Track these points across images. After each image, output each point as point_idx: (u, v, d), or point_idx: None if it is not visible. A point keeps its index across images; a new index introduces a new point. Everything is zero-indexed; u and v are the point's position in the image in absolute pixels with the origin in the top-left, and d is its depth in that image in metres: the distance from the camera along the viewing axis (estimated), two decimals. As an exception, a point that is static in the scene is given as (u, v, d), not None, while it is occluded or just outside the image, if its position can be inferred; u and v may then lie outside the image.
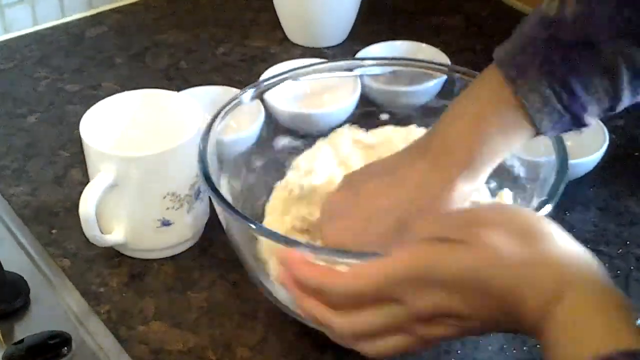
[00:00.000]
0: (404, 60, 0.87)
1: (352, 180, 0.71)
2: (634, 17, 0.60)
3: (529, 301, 0.52)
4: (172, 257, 0.77)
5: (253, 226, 0.63)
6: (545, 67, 0.61)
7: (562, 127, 0.63)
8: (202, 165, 0.68)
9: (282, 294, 0.66)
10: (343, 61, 0.91)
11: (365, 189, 0.69)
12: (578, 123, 0.63)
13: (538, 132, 0.63)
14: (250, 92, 0.78)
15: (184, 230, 0.77)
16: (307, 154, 0.79)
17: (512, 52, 0.63)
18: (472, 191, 0.66)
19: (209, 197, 0.79)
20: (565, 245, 0.54)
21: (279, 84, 0.81)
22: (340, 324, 0.57)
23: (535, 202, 0.71)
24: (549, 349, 0.51)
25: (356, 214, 0.68)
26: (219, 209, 0.67)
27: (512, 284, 0.53)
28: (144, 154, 0.71)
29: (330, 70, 0.85)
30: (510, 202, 0.74)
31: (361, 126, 0.82)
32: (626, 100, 0.63)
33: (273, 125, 0.81)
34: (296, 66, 0.91)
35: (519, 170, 0.76)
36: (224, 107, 0.75)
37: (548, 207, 0.63)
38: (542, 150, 0.71)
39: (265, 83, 0.80)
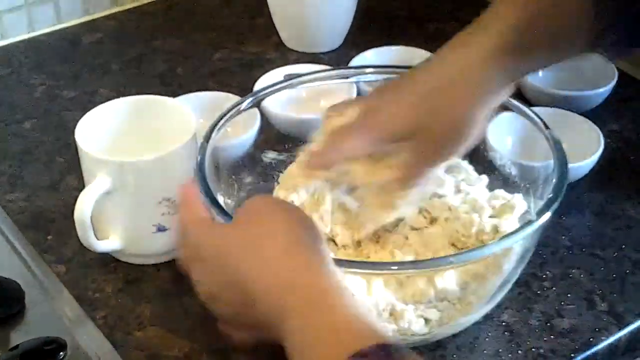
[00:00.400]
0: (401, 69, 0.87)
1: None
2: None
3: (263, 296, 0.53)
4: (168, 263, 0.77)
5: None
6: None
7: (621, 28, 0.60)
8: (201, 175, 0.68)
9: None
10: (342, 69, 0.91)
11: (404, 77, 0.70)
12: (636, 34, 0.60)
13: (597, 28, 0.60)
14: (248, 101, 0.78)
15: (179, 236, 0.77)
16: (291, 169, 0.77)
17: None
18: (510, 85, 0.66)
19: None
20: (310, 257, 0.55)
21: (278, 91, 0.81)
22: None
23: (532, 204, 0.72)
24: (295, 354, 0.50)
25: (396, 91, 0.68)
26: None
27: (246, 272, 0.55)
28: (139, 159, 0.71)
29: (328, 78, 0.85)
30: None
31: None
32: None
33: (269, 130, 0.81)
34: (292, 72, 0.91)
35: (510, 170, 0.76)
36: (221, 116, 0.75)
37: (547, 214, 0.64)
38: (539, 154, 0.72)
39: (265, 92, 0.80)
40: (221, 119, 0.75)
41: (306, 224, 0.57)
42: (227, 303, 0.57)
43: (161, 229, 0.74)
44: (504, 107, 0.73)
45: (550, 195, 0.65)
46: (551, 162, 0.69)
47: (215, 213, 0.64)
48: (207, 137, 0.73)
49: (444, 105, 0.65)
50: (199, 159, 0.70)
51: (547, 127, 0.72)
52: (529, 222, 0.63)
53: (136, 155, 0.72)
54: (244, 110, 0.78)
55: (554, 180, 0.67)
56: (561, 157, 0.69)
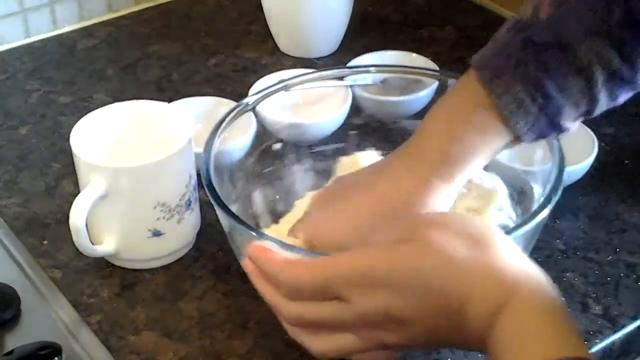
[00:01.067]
0: (394, 67, 0.88)
1: (337, 180, 0.73)
2: (607, 18, 0.60)
3: (473, 306, 0.52)
4: (163, 268, 0.77)
5: (272, 242, 0.61)
6: (519, 70, 0.62)
7: (539, 131, 0.63)
8: (208, 180, 0.68)
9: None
10: (337, 69, 0.91)
11: (348, 188, 0.70)
12: (555, 127, 0.63)
13: (515, 136, 0.63)
14: (249, 104, 0.78)
15: (175, 241, 0.77)
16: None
17: (488, 55, 0.64)
18: (452, 194, 0.66)
19: (201, 208, 0.79)
20: (513, 256, 0.54)
21: (274, 93, 0.81)
22: (287, 308, 0.58)
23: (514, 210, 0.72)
24: (496, 359, 0.51)
25: (336, 207, 0.69)
26: (223, 218, 0.67)
27: (455, 285, 0.52)
28: (133, 164, 0.72)
29: (325, 78, 0.85)
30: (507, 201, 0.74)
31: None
32: (603, 103, 0.63)
33: (264, 135, 0.81)
34: (288, 77, 0.91)
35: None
36: (223, 120, 0.75)
37: (545, 212, 0.64)
38: (539, 157, 0.72)
39: (262, 94, 0.80)
40: (221, 124, 0.75)
41: (499, 233, 0.56)
42: (419, 324, 0.54)
43: (156, 233, 0.75)
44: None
45: (550, 189, 0.65)
46: (542, 168, 0.70)
47: (228, 222, 0.65)
48: (209, 146, 0.72)
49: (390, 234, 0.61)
50: (204, 169, 0.70)
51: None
52: (531, 216, 0.63)
53: (131, 161, 0.72)
54: (242, 114, 0.78)
55: (552, 177, 0.67)
56: (559, 154, 0.69)
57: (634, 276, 0.76)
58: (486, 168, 0.74)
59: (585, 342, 0.70)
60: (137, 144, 0.78)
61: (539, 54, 0.61)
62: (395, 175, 0.67)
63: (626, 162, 0.89)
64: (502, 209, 0.74)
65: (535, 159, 0.74)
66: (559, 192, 0.66)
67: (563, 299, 0.54)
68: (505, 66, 0.62)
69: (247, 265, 0.61)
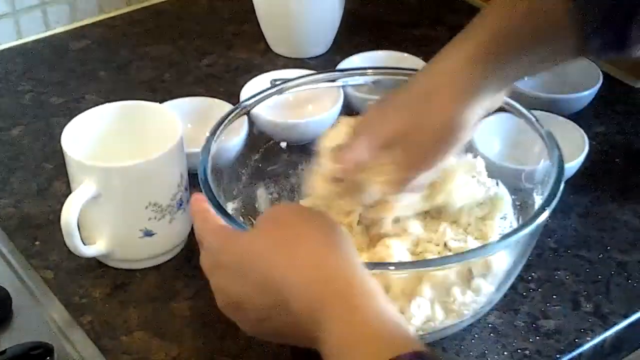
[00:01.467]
0: (385, 69, 0.88)
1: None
2: None
3: (297, 300, 0.53)
4: (156, 267, 0.77)
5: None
6: None
7: (607, 35, 0.59)
8: (204, 180, 0.69)
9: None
10: (327, 73, 0.91)
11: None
12: (624, 34, 0.59)
13: (582, 37, 0.59)
14: (246, 105, 0.79)
15: (166, 241, 0.77)
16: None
17: None
18: (499, 92, 0.66)
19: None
20: (346, 255, 0.55)
21: (272, 95, 0.81)
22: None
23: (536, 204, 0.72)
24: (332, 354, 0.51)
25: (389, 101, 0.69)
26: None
27: (281, 276, 0.55)
28: (124, 164, 0.72)
29: (314, 82, 0.86)
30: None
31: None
32: None
33: (256, 135, 0.81)
34: (279, 77, 0.92)
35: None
36: (221, 122, 0.75)
37: (545, 213, 0.64)
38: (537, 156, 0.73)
39: (260, 96, 0.80)
40: (219, 126, 0.75)
41: (335, 228, 0.57)
42: (253, 309, 0.57)
43: (148, 233, 0.75)
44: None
45: (550, 189, 0.66)
46: (538, 167, 0.70)
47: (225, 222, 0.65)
48: (208, 149, 0.72)
49: (428, 110, 0.65)
50: (202, 170, 0.70)
51: (541, 125, 0.73)
52: (533, 218, 0.63)
53: (122, 161, 0.72)
54: (239, 117, 0.78)
55: (552, 176, 0.68)
56: (557, 154, 0.69)
57: (625, 274, 0.76)
58: (491, 175, 0.75)
59: (576, 340, 0.70)
60: (128, 144, 0.78)
61: None
62: (437, 59, 0.67)
63: (617, 160, 0.90)
64: (506, 217, 0.74)
65: (533, 158, 0.75)
66: (557, 198, 0.66)
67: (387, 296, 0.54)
68: None
69: (192, 204, 0.65)
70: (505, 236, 0.63)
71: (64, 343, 0.70)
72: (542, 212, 0.64)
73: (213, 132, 0.74)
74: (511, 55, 0.63)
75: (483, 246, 0.65)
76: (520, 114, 0.75)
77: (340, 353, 0.50)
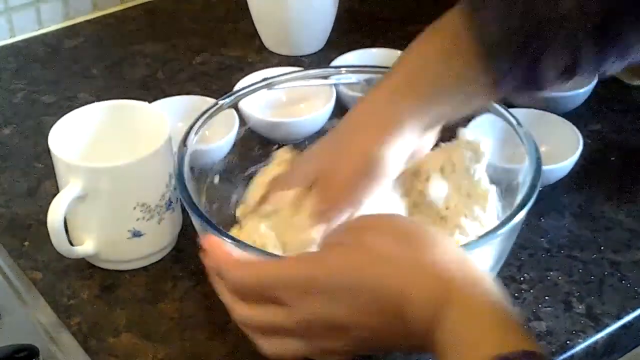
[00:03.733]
0: (377, 68, 0.87)
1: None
2: None
3: (411, 305, 0.52)
4: (144, 268, 0.77)
5: (228, 240, 0.62)
6: (503, 5, 0.59)
7: (519, 76, 0.60)
8: (179, 177, 0.68)
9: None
10: (318, 69, 0.90)
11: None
12: (535, 76, 0.60)
13: (495, 78, 0.61)
14: (225, 102, 0.78)
15: (155, 241, 0.76)
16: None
17: None
18: (423, 132, 0.65)
19: (182, 208, 0.79)
20: (450, 253, 0.54)
21: (254, 92, 0.80)
22: (235, 309, 0.59)
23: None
24: (442, 356, 0.51)
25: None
26: (195, 221, 0.67)
27: (396, 285, 0.52)
28: (111, 164, 0.71)
29: (305, 78, 0.85)
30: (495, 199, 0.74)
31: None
32: (587, 63, 0.60)
33: (248, 134, 0.81)
34: (272, 75, 0.91)
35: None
36: (199, 117, 0.75)
37: (522, 213, 0.63)
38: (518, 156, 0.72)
39: (240, 92, 0.80)
40: (197, 121, 0.75)
41: (422, 226, 0.56)
42: (363, 328, 0.54)
43: (136, 234, 0.74)
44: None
45: (523, 197, 0.65)
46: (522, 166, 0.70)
47: (198, 221, 0.65)
48: (184, 140, 0.72)
49: (347, 149, 0.66)
50: (176, 163, 0.70)
51: (519, 124, 0.72)
52: (507, 220, 0.63)
53: (111, 160, 0.72)
54: (221, 112, 0.78)
55: (528, 178, 0.67)
56: (535, 152, 0.68)
57: (618, 274, 0.75)
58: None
59: (568, 342, 0.69)
60: (117, 143, 0.77)
61: None
62: (361, 101, 0.68)
63: (612, 159, 0.89)
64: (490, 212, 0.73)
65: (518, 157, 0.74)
66: (534, 197, 0.64)
67: (506, 295, 0.53)
68: (490, 1, 0.60)
69: (203, 258, 0.60)
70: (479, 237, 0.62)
71: (51, 345, 0.69)
72: (516, 214, 0.63)
73: (191, 127, 0.74)
74: (429, 96, 0.64)
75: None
76: (499, 114, 0.74)
77: (452, 350, 0.50)
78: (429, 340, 0.51)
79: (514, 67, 0.60)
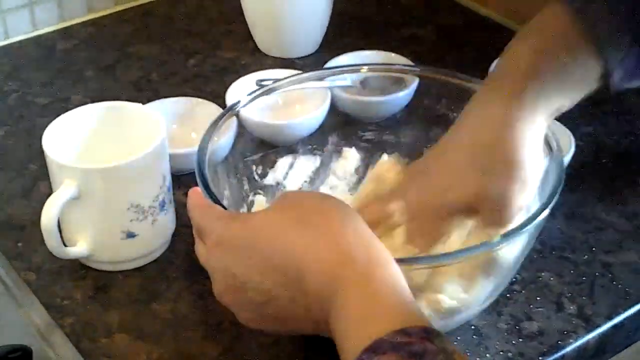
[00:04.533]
0: (368, 66, 0.88)
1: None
2: None
3: (314, 274, 0.53)
4: (138, 269, 0.77)
5: None
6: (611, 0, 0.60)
7: (630, 67, 0.61)
8: (202, 177, 0.68)
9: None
10: (313, 72, 0.90)
11: (440, 146, 0.70)
12: None
13: (607, 70, 0.61)
14: (238, 107, 0.78)
15: (149, 242, 0.76)
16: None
17: None
18: (540, 126, 0.65)
19: (175, 209, 0.79)
20: (361, 233, 0.55)
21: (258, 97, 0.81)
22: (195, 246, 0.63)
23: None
24: (335, 332, 0.52)
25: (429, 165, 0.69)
26: None
27: (298, 252, 0.54)
28: (105, 165, 0.71)
29: (300, 82, 0.85)
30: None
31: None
32: None
33: (245, 136, 0.81)
34: (265, 77, 0.91)
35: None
36: (216, 122, 0.75)
37: (546, 212, 0.64)
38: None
39: (250, 98, 0.80)
40: (214, 128, 0.74)
41: (346, 207, 0.57)
42: (258, 289, 0.56)
43: (130, 235, 0.74)
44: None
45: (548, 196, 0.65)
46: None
47: None
48: (204, 150, 0.71)
49: (497, 163, 0.64)
50: (198, 172, 0.69)
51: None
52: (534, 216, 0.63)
53: (105, 162, 0.72)
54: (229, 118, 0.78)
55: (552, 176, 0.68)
56: (558, 158, 0.69)
57: (610, 275, 0.75)
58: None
59: (559, 342, 0.69)
60: (111, 145, 0.78)
61: None
62: (482, 109, 0.66)
63: (604, 161, 0.89)
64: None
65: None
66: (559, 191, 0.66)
67: (400, 273, 0.54)
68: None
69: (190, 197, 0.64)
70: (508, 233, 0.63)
71: (44, 346, 0.69)
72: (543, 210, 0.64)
73: (210, 133, 0.73)
74: (553, 98, 0.64)
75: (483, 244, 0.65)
76: None
77: (352, 323, 0.51)
78: (325, 315, 0.53)
79: (628, 56, 0.61)
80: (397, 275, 0.53)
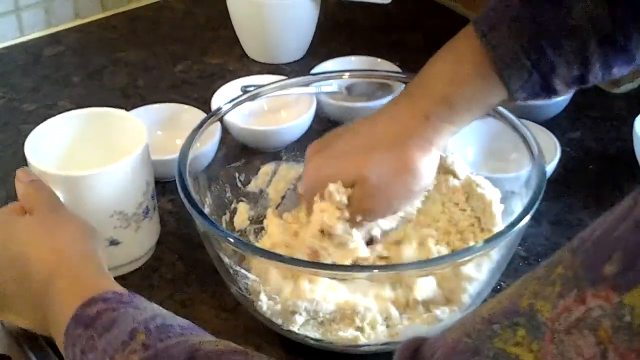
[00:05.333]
0: (356, 72, 0.88)
1: (334, 131, 0.74)
2: None
3: (34, 267, 0.63)
4: (121, 277, 0.76)
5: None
6: (514, 25, 0.63)
7: (532, 89, 0.64)
8: (182, 182, 0.69)
9: (265, 306, 0.68)
10: (301, 77, 0.90)
11: (346, 131, 0.72)
12: (547, 87, 0.64)
13: (509, 93, 0.65)
14: (224, 110, 0.78)
15: (132, 250, 0.76)
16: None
17: (486, 12, 0.65)
18: (446, 137, 0.68)
19: (159, 216, 0.79)
20: (74, 233, 0.65)
21: (241, 103, 0.81)
22: None
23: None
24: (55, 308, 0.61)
25: (336, 147, 0.71)
26: (200, 223, 0.67)
27: (24, 250, 0.64)
28: (87, 172, 0.71)
29: (284, 88, 0.85)
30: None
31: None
32: (597, 71, 0.64)
33: (229, 142, 0.81)
34: (250, 83, 0.91)
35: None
36: (198, 128, 0.75)
37: (526, 218, 0.65)
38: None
39: (234, 102, 0.79)
40: (195, 134, 0.75)
41: (91, 231, 0.67)
42: (7, 279, 0.64)
43: (113, 242, 0.74)
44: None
45: (532, 195, 0.66)
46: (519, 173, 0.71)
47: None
48: (185, 156, 0.72)
49: (386, 159, 0.67)
50: (179, 178, 0.69)
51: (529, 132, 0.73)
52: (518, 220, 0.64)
53: (88, 168, 0.71)
54: (210, 125, 0.78)
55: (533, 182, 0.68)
56: (539, 158, 0.69)
57: (595, 282, 0.75)
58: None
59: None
60: (95, 151, 0.77)
61: (535, 10, 0.63)
62: (396, 111, 0.69)
63: (591, 167, 0.89)
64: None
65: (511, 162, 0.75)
66: (539, 199, 0.67)
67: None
68: (501, 21, 0.63)
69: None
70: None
71: (22, 354, 0.69)
72: (523, 217, 0.64)
73: (191, 139, 0.73)
74: (462, 113, 0.67)
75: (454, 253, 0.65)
76: (502, 118, 0.75)
77: (58, 302, 0.60)
78: (48, 299, 0.61)
79: (529, 81, 0.64)
80: (105, 276, 0.63)
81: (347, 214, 0.68)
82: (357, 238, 0.68)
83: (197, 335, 0.55)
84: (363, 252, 0.69)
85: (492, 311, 0.38)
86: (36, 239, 0.64)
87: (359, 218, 0.68)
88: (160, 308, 0.59)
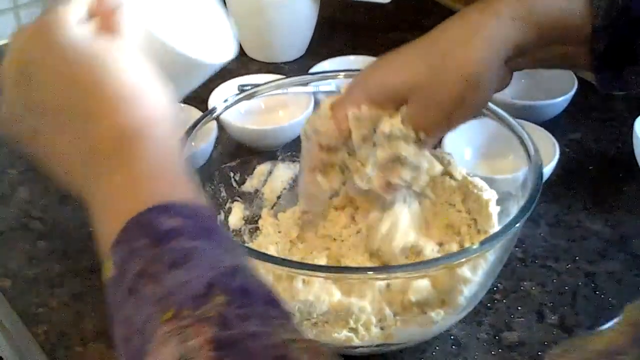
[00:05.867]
0: (353, 72, 0.87)
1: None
2: None
3: (104, 125, 0.48)
4: (115, 277, 0.76)
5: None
6: None
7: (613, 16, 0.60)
8: None
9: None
10: (297, 77, 0.89)
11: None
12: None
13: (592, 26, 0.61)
14: (220, 110, 0.77)
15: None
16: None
17: None
18: (498, 40, 0.62)
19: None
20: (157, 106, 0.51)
21: (237, 103, 0.80)
22: None
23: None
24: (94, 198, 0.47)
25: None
26: None
27: (101, 93, 0.49)
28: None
29: (281, 87, 0.84)
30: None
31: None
32: None
33: (226, 141, 0.80)
34: (246, 82, 0.90)
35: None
36: (194, 126, 0.74)
37: (522, 220, 0.63)
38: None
39: (234, 99, 0.79)
40: (190, 133, 0.73)
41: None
42: (55, 97, 0.50)
43: (107, 242, 0.73)
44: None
45: (528, 197, 0.65)
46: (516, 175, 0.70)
47: None
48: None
49: (447, 65, 0.62)
50: None
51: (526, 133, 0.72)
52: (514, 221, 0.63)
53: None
54: (206, 123, 0.77)
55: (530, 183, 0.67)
56: (537, 167, 0.68)
57: (592, 285, 0.74)
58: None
59: (540, 353, 0.68)
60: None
61: None
62: (466, 12, 0.65)
63: (590, 168, 0.88)
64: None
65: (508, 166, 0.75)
66: (535, 203, 0.65)
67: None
68: None
69: None
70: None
71: (16, 355, 0.68)
72: (520, 219, 0.63)
73: (185, 138, 0.73)
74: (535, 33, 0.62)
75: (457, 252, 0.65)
76: (498, 119, 0.74)
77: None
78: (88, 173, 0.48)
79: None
80: (175, 154, 0.49)
81: (412, 134, 0.64)
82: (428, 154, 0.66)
83: (279, 325, 0.41)
84: (437, 170, 0.67)
85: None
86: (127, 71, 0.50)
87: (422, 135, 0.64)
88: (237, 247, 0.48)
